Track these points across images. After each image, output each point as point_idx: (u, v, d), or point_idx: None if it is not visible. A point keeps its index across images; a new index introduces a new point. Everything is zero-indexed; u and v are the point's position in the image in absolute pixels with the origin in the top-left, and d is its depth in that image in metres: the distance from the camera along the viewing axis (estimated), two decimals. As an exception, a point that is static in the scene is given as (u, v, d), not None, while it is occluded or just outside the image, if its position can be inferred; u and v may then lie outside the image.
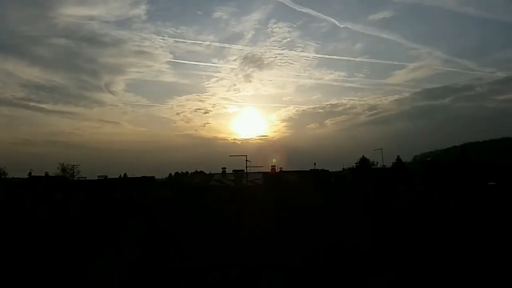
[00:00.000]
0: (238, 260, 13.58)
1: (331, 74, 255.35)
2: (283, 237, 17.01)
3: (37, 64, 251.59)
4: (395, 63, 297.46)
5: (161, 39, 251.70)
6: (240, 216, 23.57)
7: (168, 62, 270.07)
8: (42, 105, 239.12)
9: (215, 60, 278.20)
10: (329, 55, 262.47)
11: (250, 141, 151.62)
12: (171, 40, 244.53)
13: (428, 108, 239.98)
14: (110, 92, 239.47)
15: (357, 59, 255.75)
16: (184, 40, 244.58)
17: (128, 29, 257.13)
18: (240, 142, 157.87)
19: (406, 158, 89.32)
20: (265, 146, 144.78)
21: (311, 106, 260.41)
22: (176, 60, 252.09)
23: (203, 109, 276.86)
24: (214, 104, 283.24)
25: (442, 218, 20.73)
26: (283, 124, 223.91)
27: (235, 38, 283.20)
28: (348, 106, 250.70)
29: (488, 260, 12.41)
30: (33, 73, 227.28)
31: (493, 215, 20.21)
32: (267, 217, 22.73)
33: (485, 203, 24.28)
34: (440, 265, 12.35)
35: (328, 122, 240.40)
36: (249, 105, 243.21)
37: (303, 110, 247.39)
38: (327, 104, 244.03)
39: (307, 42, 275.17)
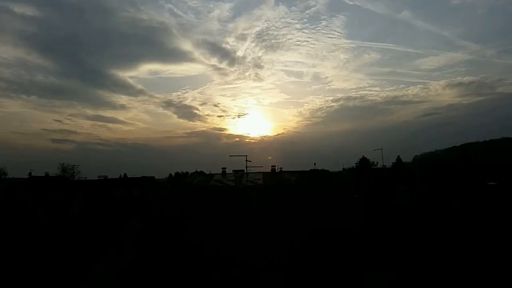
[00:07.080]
0: (239, 259, 13.64)
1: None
2: (282, 237, 17.06)
3: (6, 43, 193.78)
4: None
5: (156, 9, 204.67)
6: (239, 215, 23.59)
7: (168, 47, 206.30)
8: (30, 97, 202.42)
9: (226, 40, 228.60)
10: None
11: (254, 139, 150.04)
12: (169, 7, 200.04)
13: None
14: (103, 81, 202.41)
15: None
16: (186, 15, 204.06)
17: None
18: (244, 140, 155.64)
19: (406, 158, 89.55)
20: (271, 145, 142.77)
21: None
22: (178, 44, 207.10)
23: (206, 104, 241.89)
24: (220, 99, 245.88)
25: (442, 218, 20.76)
26: (297, 120, 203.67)
27: (251, 5, 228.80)
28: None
29: (488, 259, 12.43)
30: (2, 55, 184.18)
31: (493, 215, 20.24)
32: (267, 216, 22.75)
33: (485, 203, 24.31)
34: (439, 265, 12.37)
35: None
36: (258, 99, 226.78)
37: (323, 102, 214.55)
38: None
39: (333, 13, 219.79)
